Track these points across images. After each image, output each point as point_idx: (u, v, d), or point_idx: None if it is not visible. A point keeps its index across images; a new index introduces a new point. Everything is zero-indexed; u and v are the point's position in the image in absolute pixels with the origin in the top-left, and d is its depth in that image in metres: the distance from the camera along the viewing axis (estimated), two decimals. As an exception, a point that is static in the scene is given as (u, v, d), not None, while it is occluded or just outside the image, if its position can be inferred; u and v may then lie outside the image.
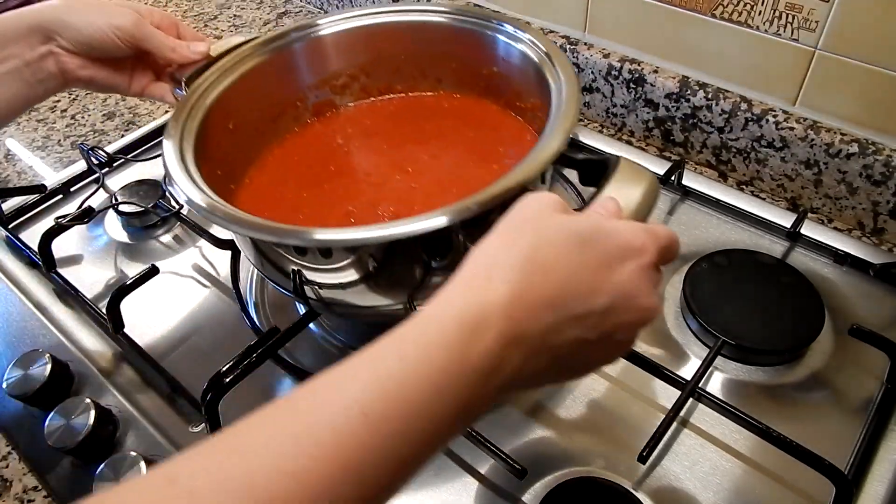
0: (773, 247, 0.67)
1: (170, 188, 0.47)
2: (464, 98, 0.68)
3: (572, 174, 0.50)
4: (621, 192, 0.41)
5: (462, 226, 0.42)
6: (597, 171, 0.49)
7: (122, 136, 0.87)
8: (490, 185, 0.43)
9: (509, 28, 0.59)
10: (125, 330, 0.60)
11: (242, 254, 0.67)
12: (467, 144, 0.62)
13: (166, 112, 0.90)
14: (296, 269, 0.48)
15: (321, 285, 0.49)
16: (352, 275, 0.47)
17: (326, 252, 0.46)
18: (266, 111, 0.63)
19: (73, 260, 0.70)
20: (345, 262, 0.46)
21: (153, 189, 0.74)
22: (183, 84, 0.58)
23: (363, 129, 0.66)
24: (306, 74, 0.66)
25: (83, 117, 0.91)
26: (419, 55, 0.66)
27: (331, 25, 0.64)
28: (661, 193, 0.44)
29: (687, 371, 0.55)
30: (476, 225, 0.42)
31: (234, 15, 1.14)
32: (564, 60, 0.54)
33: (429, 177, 0.59)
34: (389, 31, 0.65)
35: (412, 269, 0.47)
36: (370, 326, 0.61)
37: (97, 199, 0.75)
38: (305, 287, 0.49)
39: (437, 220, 0.41)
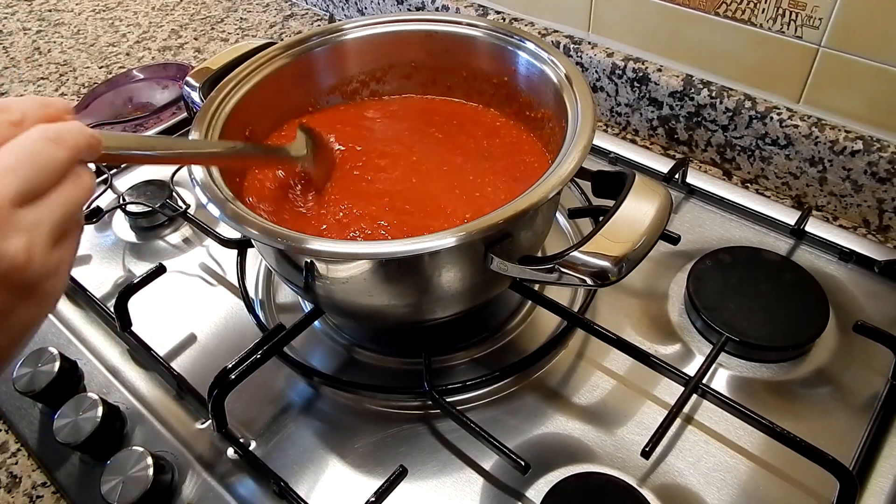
0: (778, 244, 0.67)
1: (207, 206, 0.47)
2: (473, 105, 0.68)
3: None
4: (636, 208, 0.43)
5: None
6: (610, 184, 0.50)
7: (130, 137, 0.88)
8: (506, 205, 0.44)
9: (531, 46, 0.60)
10: (133, 328, 0.61)
11: (251, 252, 0.68)
12: (475, 151, 0.63)
13: (173, 114, 0.91)
14: (308, 267, 0.49)
15: (332, 280, 0.50)
16: (362, 278, 0.48)
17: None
18: (280, 117, 0.64)
19: (82, 259, 0.71)
20: (359, 270, 0.47)
21: (160, 189, 0.74)
22: (199, 92, 0.59)
23: (372, 134, 0.66)
24: (321, 80, 0.66)
25: (91, 119, 0.92)
26: (432, 64, 0.67)
27: (351, 32, 0.65)
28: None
29: (691, 368, 0.55)
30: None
31: (241, 18, 1.15)
32: (582, 81, 0.55)
33: (437, 182, 0.59)
34: (406, 40, 0.66)
35: (422, 278, 0.48)
36: (374, 326, 0.62)
37: (105, 200, 0.76)
38: (316, 282, 0.50)
39: (447, 241, 0.42)
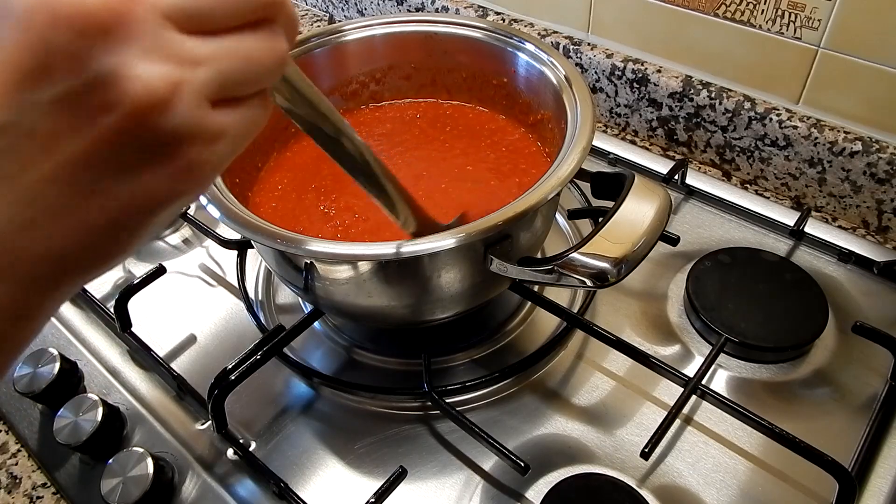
0: (778, 245, 0.67)
1: (207, 206, 0.47)
2: (472, 107, 0.68)
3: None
4: (635, 209, 0.43)
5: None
6: (610, 185, 0.50)
7: (130, 138, 0.88)
8: (506, 206, 0.44)
9: (531, 47, 0.60)
10: (133, 329, 0.61)
11: (251, 253, 0.68)
12: (474, 153, 0.63)
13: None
14: (308, 268, 0.49)
15: (331, 281, 0.50)
16: (361, 279, 0.48)
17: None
18: (280, 118, 0.64)
19: (82, 260, 0.71)
20: (358, 271, 0.47)
21: (160, 190, 0.74)
22: None
23: (371, 134, 0.66)
24: (320, 81, 0.66)
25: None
26: (431, 65, 0.67)
27: (351, 33, 0.65)
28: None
29: (691, 369, 0.55)
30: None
31: (241, 18, 1.14)
32: (582, 82, 0.55)
33: (436, 183, 0.59)
34: (405, 41, 0.66)
35: (422, 279, 0.48)
36: (374, 327, 0.62)
37: (105, 201, 0.76)
38: (315, 283, 0.50)
39: (446, 242, 0.42)
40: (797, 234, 0.67)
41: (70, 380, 0.58)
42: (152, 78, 0.20)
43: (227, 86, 0.22)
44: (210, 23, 0.22)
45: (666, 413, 0.50)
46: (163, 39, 0.20)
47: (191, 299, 0.66)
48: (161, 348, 0.61)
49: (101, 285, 0.68)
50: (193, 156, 0.22)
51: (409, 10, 1.00)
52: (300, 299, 0.65)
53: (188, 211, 0.72)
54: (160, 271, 0.62)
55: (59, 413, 0.53)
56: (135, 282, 0.61)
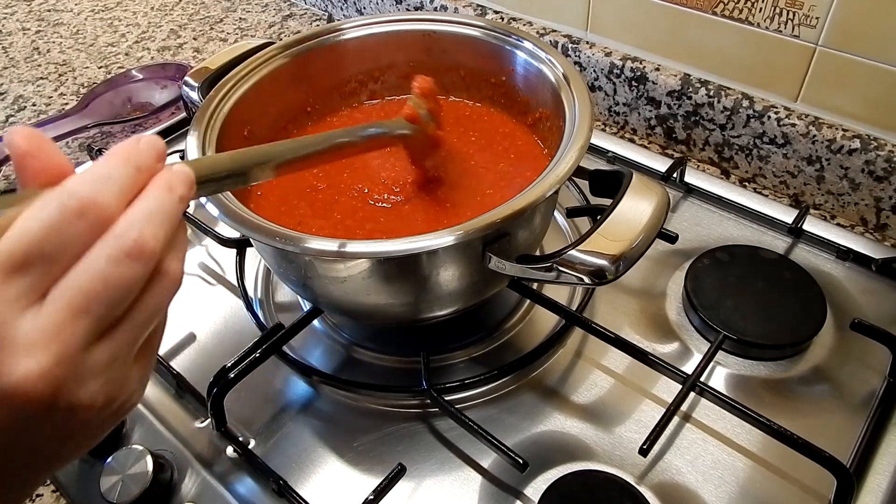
0: (776, 243, 0.67)
1: (206, 205, 0.47)
2: (471, 106, 0.68)
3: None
4: (634, 206, 0.43)
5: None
6: (608, 182, 0.50)
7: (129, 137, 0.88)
8: (504, 204, 0.44)
9: (529, 45, 0.60)
10: (132, 327, 0.61)
11: (250, 251, 0.68)
12: (474, 151, 0.63)
13: (172, 114, 0.91)
14: (307, 266, 0.49)
15: (330, 279, 0.50)
16: (360, 277, 0.48)
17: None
18: (278, 117, 0.64)
19: (81, 259, 0.71)
20: (357, 269, 0.48)
21: (159, 189, 0.74)
22: (198, 92, 0.59)
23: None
24: (319, 80, 0.67)
25: (91, 119, 0.92)
26: (430, 64, 0.67)
27: (350, 31, 0.65)
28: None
29: (689, 366, 0.55)
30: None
31: (240, 18, 1.15)
32: (580, 81, 0.55)
33: (436, 180, 0.59)
34: (404, 39, 0.66)
35: (420, 277, 0.48)
36: (373, 325, 0.62)
37: (104, 200, 0.76)
38: (314, 281, 0.50)
39: (445, 240, 0.43)
40: (795, 232, 0.67)
41: (69, 378, 0.58)
42: (89, 401, 0.25)
43: (137, 347, 0.27)
44: (109, 325, 0.25)
45: (664, 410, 0.50)
46: (86, 365, 0.24)
47: (190, 298, 0.66)
48: (160, 346, 0.61)
49: (100, 284, 0.68)
50: (126, 409, 0.28)
51: (407, 9, 1.00)
52: (299, 297, 0.65)
53: (187, 209, 0.72)
54: (159, 270, 0.62)
55: (58, 411, 0.53)
56: (134, 280, 0.61)
